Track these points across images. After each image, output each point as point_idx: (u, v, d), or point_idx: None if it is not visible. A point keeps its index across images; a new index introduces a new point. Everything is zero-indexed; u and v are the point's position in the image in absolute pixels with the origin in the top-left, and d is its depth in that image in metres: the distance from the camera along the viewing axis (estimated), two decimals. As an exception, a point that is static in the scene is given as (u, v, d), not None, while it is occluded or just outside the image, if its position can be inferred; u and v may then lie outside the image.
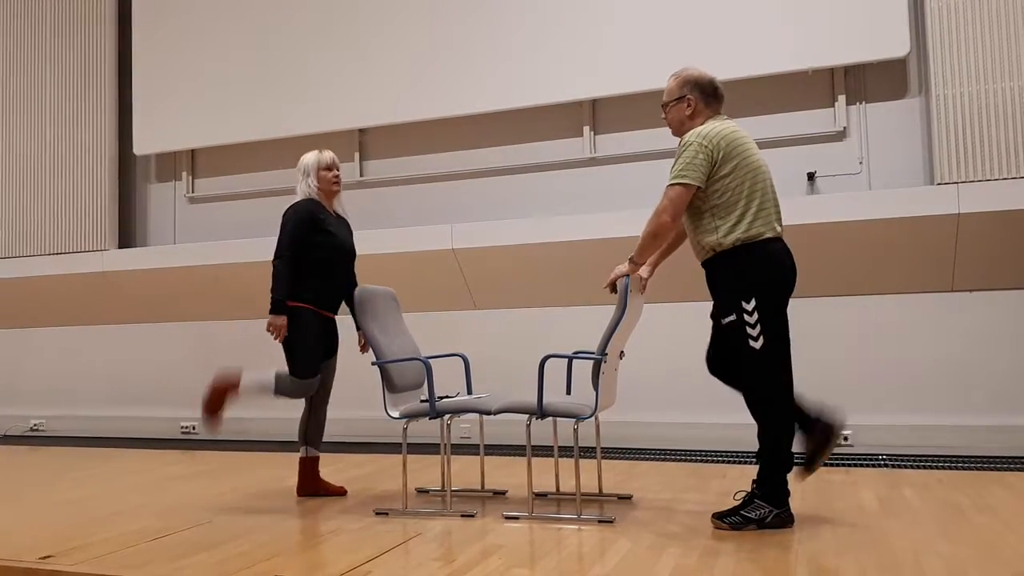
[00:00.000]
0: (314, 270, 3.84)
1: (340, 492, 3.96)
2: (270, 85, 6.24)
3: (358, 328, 4.00)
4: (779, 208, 3.19)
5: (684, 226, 3.33)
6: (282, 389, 3.78)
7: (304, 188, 3.94)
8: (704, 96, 3.22)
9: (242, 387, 3.78)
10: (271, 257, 3.82)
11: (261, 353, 5.27)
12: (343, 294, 3.98)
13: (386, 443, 5.48)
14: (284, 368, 3.82)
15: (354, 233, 4.12)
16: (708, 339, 3.33)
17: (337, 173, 3.98)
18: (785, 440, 3.08)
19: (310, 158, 3.95)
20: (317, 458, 3.98)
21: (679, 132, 3.27)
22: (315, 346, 3.84)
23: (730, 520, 3.06)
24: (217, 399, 3.78)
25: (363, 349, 4.07)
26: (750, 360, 3.08)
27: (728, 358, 3.22)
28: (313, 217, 3.84)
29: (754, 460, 3.16)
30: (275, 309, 3.76)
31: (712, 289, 3.24)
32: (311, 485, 3.95)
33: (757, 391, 3.12)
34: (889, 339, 4.77)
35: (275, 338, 3.78)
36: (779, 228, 3.16)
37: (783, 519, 3.05)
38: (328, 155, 3.98)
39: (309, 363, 3.80)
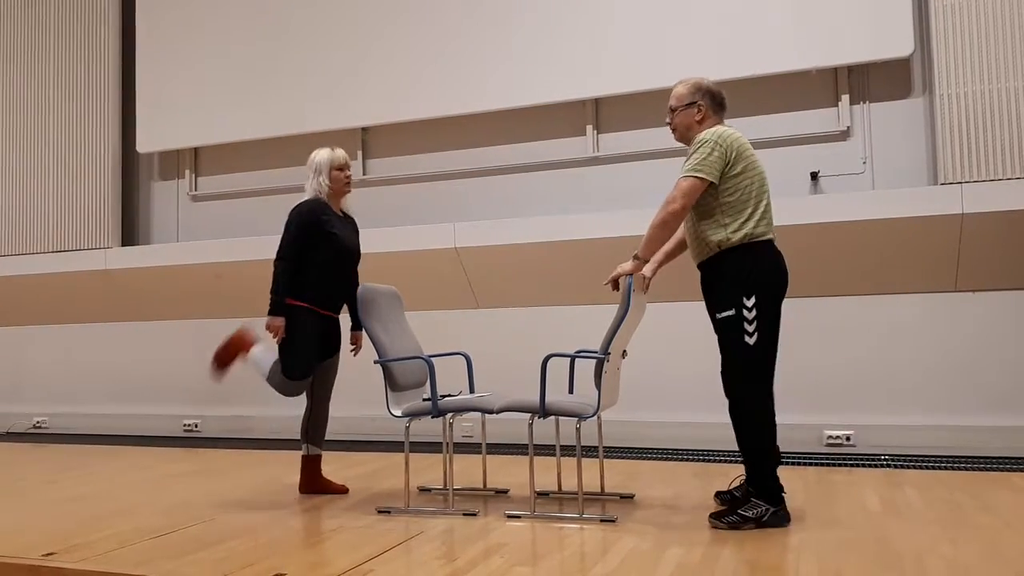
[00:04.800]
0: (316, 271, 3.82)
1: (342, 491, 3.95)
2: (273, 83, 6.24)
3: (353, 329, 4.06)
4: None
5: (686, 229, 3.34)
6: (272, 381, 3.84)
7: (314, 185, 3.88)
8: (713, 104, 3.30)
9: (251, 355, 3.91)
10: (274, 256, 3.81)
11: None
12: (345, 295, 3.96)
13: (388, 441, 5.48)
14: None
15: (359, 232, 4.10)
16: (707, 341, 3.33)
17: (349, 173, 3.95)
18: (768, 435, 3.09)
19: (323, 155, 3.89)
20: (319, 456, 3.99)
21: (684, 136, 3.32)
22: (311, 347, 3.83)
23: (728, 520, 3.06)
24: (230, 354, 3.91)
25: (355, 352, 4.09)
26: (741, 356, 3.10)
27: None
28: (317, 219, 3.81)
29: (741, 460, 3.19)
30: (274, 310, 3.77)
31: (709, 289, 3.25)
32: (314, 483, 3.95)
33: (737, 390, 3.13)
34: (892, 339, 4.76)
35: (274, 338, 3.79)
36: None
37: (780, 517, 3.06)
38: (341, 154, 3.92)
39: (301, 364, 3.80)
